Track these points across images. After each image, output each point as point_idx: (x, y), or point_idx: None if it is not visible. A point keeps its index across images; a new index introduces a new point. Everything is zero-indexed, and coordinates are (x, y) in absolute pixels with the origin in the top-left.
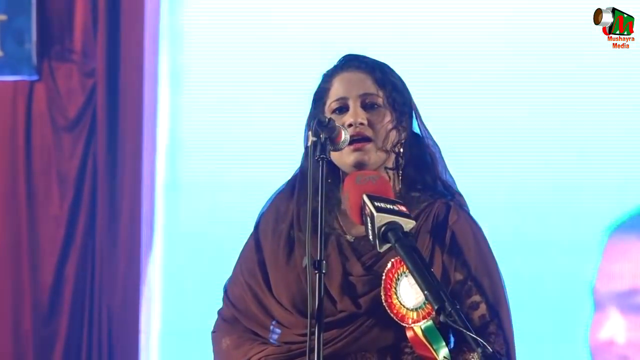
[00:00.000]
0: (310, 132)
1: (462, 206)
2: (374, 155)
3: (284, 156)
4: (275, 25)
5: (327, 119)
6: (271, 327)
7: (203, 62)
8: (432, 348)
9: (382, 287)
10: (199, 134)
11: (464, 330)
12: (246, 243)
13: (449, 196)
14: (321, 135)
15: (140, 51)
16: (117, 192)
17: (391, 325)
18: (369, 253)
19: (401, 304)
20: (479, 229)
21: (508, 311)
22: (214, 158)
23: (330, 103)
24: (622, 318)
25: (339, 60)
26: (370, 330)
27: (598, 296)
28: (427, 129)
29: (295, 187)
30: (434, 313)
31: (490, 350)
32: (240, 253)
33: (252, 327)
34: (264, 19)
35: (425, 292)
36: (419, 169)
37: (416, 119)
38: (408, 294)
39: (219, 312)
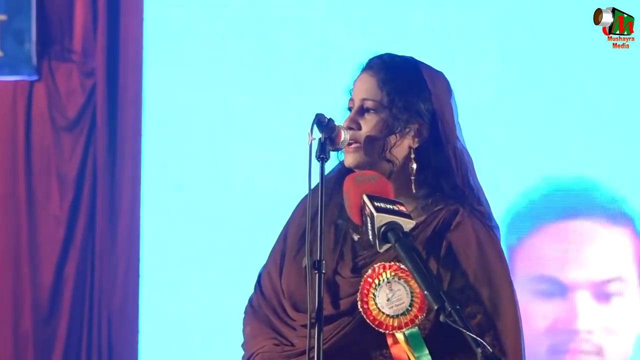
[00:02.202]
0: (309, 132)
1: (474, 212)
2: (361, 157)
3: (285, 157)
4: (275, 25)
5: (326, 119)
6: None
7: (203, 61)
8: (414, 356)
9: (359, 292)
10: (200, 134)
11: (464, 330)
12: (280, 232)
13: (463, 202)
14: (321, 135)
15: (140, 51)
16: (117, 192)
17: (369, 331)
18: (364, 254)
19: (379, 310)
20: (489, 236)
21: (514, 323)
22: (216, 158)
23: (349, 101)
24: (597, 306)
25: (369, 59)
26: (347, 334)
27: (568, 284)
28: (453, 135)
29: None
30: (418, 320)
31: (490, 350)
32: (275, 242)
33: (271, 316)
34: (264, 18)
35: (425, 292)
36: (437, 175)
37: (440, 124)
38: (389, 300)
39: (250, 299)
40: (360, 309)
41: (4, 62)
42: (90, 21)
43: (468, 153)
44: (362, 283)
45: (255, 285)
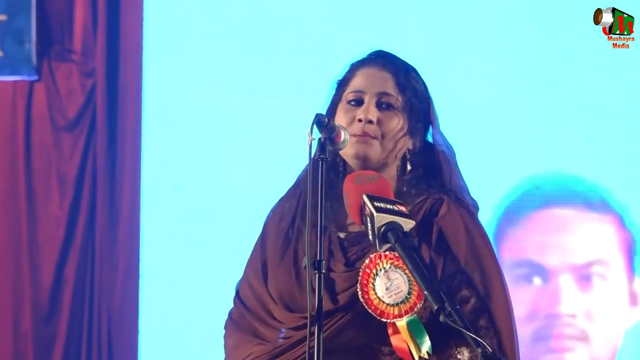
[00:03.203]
0: (308, 132)
1: (458, 201)
2: (376, 151)
3: (285, 157)
4: (275, 25)
5: (326, 119)
6: (280, 329)
7: (203, 61)
8: (416, 342)
9: (358, 283)
10: (200, 134)
11: (464, 331)
12: (255, 242)
13: (447, 192)
14: (321, 135)
15: (140, 51)
16: (117, 192)
17: (369, 323)
18: (354, 249)
19: (380, 299)
20: (475, 222)
21: (505, 305)
22: (216, 158)
23: (348, 93)
24: (579, 292)
25: (369, 53)
26: (346, 328)
27: (550, 269)
28: (442, 136)
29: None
30: (417, 307)
31: (490, 350)
32: (251, 252)
33: (257, 324)
34: (264, 18)
35: (425, 292)
36: (426, 175)
37: (432, 127)
38: (388, 289)
39: (230, 312)
40: (362, 300)
41: (4, 62)
42: (90, 21)
43: (451, 152)
44: (360, 274)
45: (235, 299)
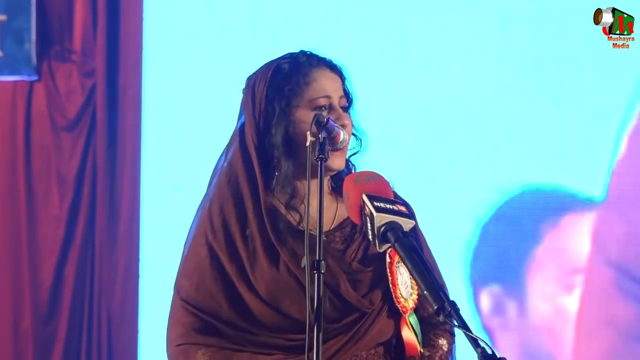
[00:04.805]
0: (308, 132)
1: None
2: (345, 159)
3: None
4: (274, 24)
5: (325, 119)
6: None
7: (203, 61)
8: (416, 335)
9: (390, 283)
10: (200, 134)
11: (464, 330)
12: (194, 252)
13: None
14: (320, 135)
15: (140, 51)
16: (116, 192)
17: (391, 316)
18: (349, 249)
19: (401, 294)
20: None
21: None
22: (215, 158)
23: (315, 98)
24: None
25: (308, 55)
26: (376, 326)
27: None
28: None
29: (234, 190)
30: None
31: (491, 350)
32: (190, 259)
33: (243, 334)
34: (264, 18)
35: (425, 292)
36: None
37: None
38: (403, 284)
39: (182, 323)
40: (394, 297)
41: (4, 62)
42: (90, 21)
43: None
44: (388, 273)
45: (187, 309)
